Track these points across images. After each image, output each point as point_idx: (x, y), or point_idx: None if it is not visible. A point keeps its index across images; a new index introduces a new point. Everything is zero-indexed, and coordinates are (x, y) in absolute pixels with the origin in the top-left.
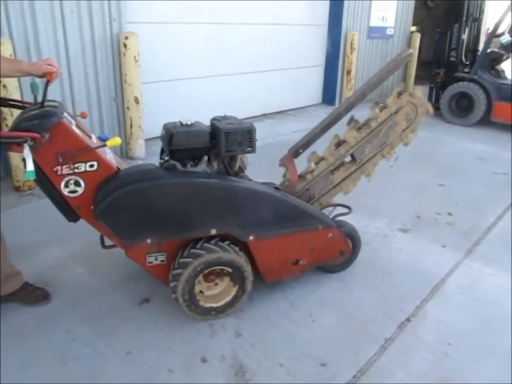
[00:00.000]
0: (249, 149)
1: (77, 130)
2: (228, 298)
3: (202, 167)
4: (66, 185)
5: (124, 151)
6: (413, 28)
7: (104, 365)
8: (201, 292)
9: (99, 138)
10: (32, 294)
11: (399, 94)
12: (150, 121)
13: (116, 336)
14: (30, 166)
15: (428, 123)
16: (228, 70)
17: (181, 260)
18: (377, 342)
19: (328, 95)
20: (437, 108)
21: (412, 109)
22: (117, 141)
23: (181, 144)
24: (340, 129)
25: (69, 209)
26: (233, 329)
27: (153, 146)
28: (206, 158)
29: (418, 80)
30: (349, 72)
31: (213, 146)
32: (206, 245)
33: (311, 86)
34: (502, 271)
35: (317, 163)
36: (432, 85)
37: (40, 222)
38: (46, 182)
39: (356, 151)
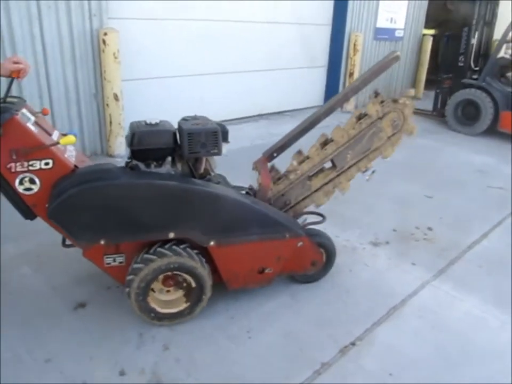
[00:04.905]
0: (215, 150)
1: (32, 127)
2: (173, 310)
3: (166, 168)
4: (21, 183)
5: (104, 149)
6: (431, 31)
7: (20, 372)
8: (153, 291)
9: (66, 135)
10: None
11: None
12: (134, 119)
13: (40, 341)
14: None
15: (431, 130)
16: (220, 69)
17: (134, 266)
18: (313, 366)
19: (331, 97)
20: (442, 115)
21: (398, 116)
22: (70, 139)
23: (142, 144)
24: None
25: (24, 207)
26: (163, 341)
27: None
28: (169, 159)
29: (430, 84)
30: (351, 74)
31: (177, 147)
32: (159, 249)
33: (313, 87)
34: (473, 296)
35: (300, 163)
36: (438, 91)
37: (2, 219)
38: (0, 178)
39: (336, 157)
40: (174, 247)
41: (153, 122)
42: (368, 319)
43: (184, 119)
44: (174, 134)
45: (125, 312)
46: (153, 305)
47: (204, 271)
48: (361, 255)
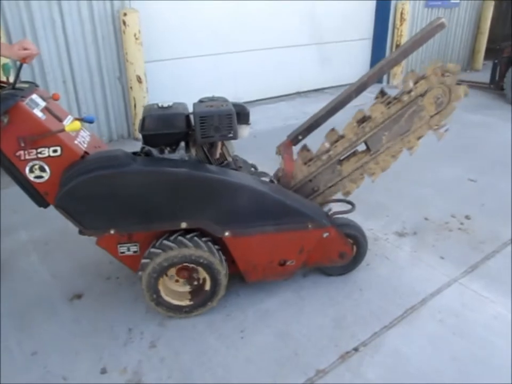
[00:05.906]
0: (230, 134)
1: (39, 114)
2: (174, 301)
3: (180, 153)
4: (31, 171)
5: (131, 132)
6: None
7: (7, 365)
8: (166, 275)
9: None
10: None
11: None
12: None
13: (31, 332)
14: None
15: (486, 105)
16: (253, 45)
17: (165, 242)
18: (306, 373)
19: None
20: (500, 88)
21: (443, 91)
22: (76, 125)
23: (152, 129)
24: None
25: (37, 195)
26: (151, 338)
27: None
28: (183, 144)
29: (491, 54)
30: (398, 46)
31: (191, 131)
32: (195, 239)
33: (357, 61)
34: (506, 298)
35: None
36: (496, 61)
37: (21, 205)
38: (11, 166)
39: (370, 139)
40: (210, 243)
41: (165, 105)
42: (378, 321)
43: (200, 101)
44: (187, 117)
45: (118, 304)
46: (160, 287)
47: (225, 280)
48: (383, 247)
